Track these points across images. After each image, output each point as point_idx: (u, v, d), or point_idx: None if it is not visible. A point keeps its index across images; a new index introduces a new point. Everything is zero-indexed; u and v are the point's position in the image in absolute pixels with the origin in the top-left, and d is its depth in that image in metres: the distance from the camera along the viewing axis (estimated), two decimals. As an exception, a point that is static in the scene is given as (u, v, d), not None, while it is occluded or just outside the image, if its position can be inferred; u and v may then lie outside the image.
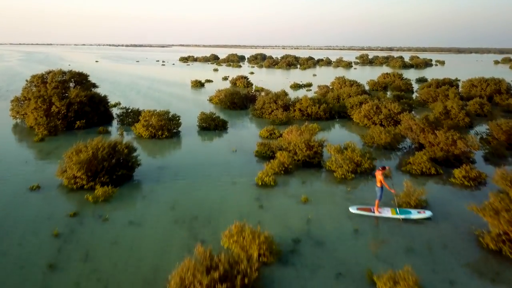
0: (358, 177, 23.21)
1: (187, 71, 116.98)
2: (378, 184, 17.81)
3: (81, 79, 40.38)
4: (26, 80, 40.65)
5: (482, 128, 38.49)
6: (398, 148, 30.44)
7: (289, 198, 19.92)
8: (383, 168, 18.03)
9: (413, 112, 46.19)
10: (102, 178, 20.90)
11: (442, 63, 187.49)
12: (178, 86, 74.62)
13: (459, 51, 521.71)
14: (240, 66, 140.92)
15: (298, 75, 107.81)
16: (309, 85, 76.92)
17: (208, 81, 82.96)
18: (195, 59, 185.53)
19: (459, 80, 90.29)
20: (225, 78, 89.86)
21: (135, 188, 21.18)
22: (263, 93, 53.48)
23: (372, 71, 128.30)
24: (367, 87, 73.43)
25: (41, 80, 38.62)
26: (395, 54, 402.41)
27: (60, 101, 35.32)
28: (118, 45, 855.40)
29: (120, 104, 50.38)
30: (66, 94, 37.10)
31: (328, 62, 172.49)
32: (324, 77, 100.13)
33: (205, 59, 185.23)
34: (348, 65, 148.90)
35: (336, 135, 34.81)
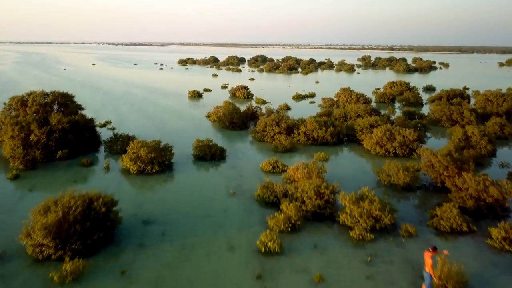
0: (378, 237, 19.70)
1: (185, 78, 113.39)
2: (427, 269, 14.27)
3: (65, 100, 36.83)
4: (4, 104, 37.04)
5: (506, 155, 35.10)
6: (418, 187, 26.91)
7: (299, 275, 16.43)
8: (434, 249, 14.42)
9: (427, 133, 42.77)
10: (74, 245, 17.42)
11: (446, 65, 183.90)
12: (174, 97, 71.07)
13: (460, 50, 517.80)
14: (240, 71, 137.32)
15: (300, 81, 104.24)
16: (312, 95, 73.37)
17: (207, 90, 79.44)
18: (194, 62, 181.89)
19: (468, 89, 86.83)
20: (225, 87, 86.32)
21: (113, 257, 17.67)
22: (264, 110, 49.99)
23: (376, 76, 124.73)
24: (373, 98, 70.00)
25: (20, 102, 35.12)
26: (397, 54, 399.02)
27: (40, 129, 31.78)
28: (118, 44, 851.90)
29: (110, 123, 46.86)
30: (48, 119, 33.53)
31: (330, 65, 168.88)
32: (327, 84, 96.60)
33: (205, 62, 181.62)
34: (351, 69, 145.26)
35: (346, 167, 31.29)
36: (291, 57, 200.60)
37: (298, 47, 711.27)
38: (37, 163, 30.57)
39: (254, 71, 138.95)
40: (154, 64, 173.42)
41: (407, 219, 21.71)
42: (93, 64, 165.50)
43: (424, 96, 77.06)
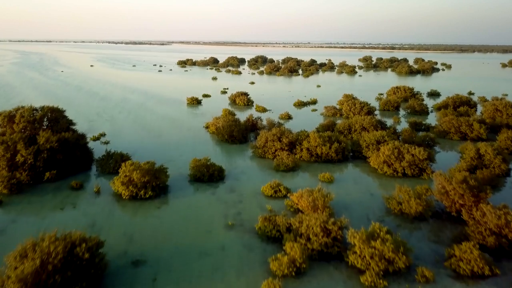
0: (391, 282, 17.90)
1: (184, 81, 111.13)
2: None
3: (55, 116, 34.89)
4: (-10, 120, 34.97)
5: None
6: (431, 215, 24.97)
7: (305, 337, 14.48)
8: None
9: (436, 147, 40.88)
10: (53, 299, 15.53)
11: (449, 67, 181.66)
12: (172, 103, 69.05)
13: (462, 49, 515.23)
14: (240, 73, 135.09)
15: (301, 85, 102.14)
16: (314, 102, 71.32)
17: (206, 95, 77.42)
18: (194, 63, 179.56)
19: (473, 94, 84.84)
20: (224, 92, 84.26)
21: (96, 312, 15.75)
22: (264, 121, 48.02)
23: (378, 79, 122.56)
24: (377, 104, 68.09)
25: (7, 119, 33.16)
26: (397, 53, 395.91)
27: (27, 148, 29.91)
28: (118, 43, 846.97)
29: (104, 135, 44.93)
30: (36, 137, 31.57)
31: (331, 67, 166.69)
32: (329, 89, 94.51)
33: (204, 63, 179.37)
34: (352, 71, 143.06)
35: (353, 190, 29.36)
36: (292, 58, 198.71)
37: (298, 46, 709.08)
38: (23, 186, 28.72)
39: (254, 74, 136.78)
40: (153, 65, 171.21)
41: (422, 257, 19.89)
42: (91, 66, 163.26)
43: (429, 102, 75.02)
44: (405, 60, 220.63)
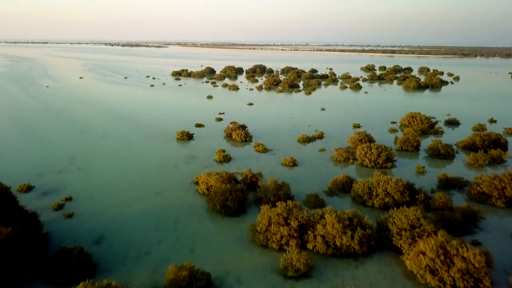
0: None
1: (176, 101, 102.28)
2: None
3: (-6, 198, 26.65)
4: None
5: None
6: None
7: None
8: None
9: (480, 223, 32.85)
10: None
11: (457, 78, 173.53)
12: (161, 138, 60.83)
13: (463, 54, 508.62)
14: (237, 88, 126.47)
15: (303, 106, 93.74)
16: (320, 136, 63.13)
17: (199, 125, 69.26)
18: (189, 74, 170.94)
19: (495, 122, 76.87)
20: (219, 119, 75.95)
21: None
22: (268, 182, 39.51)
23: (387, 98, 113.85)
24: (392, 138, 60.23)
25: None
26: (398, 57, 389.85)
27: None
28: (114, 45, 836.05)
29: (70, 199, 36.72)
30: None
31: (333, 80, 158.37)
32: (334, 113, 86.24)
33: (200, 74, 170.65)
34: (357, 86, 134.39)
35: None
36: (292, 68, 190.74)
37: (297, 49, 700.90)
38: None
39: (252, 89, 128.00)
40: (146, 77, 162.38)
41: None
42: (81, 78, 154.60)
43: (448, 132, 67.24)
44: (410, 69, 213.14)
